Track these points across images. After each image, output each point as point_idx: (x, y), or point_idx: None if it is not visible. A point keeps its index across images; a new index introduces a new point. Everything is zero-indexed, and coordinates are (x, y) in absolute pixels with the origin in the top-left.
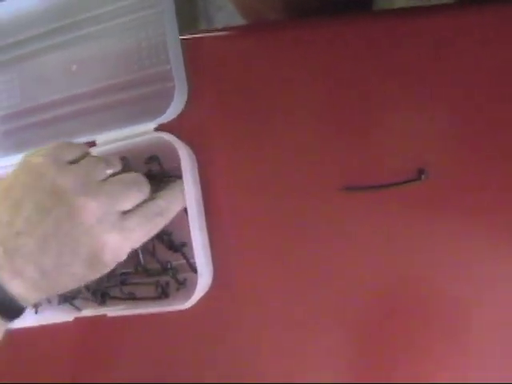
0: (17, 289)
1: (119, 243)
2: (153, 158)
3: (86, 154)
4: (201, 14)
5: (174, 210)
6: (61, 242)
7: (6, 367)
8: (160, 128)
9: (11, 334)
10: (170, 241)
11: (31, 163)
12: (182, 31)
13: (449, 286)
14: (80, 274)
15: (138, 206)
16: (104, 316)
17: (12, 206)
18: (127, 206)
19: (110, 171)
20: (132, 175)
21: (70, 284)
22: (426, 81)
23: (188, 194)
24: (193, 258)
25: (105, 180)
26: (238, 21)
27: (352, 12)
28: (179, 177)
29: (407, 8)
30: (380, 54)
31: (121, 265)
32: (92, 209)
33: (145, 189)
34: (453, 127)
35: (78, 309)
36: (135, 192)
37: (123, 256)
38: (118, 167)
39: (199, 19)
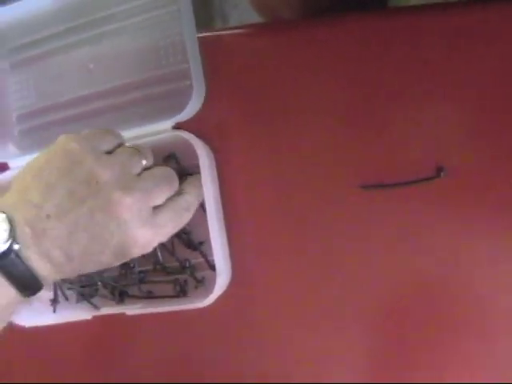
0: (41, 269)
1: (150, 238)
2: (171, 156)
3: (121, 144)
4: (216, 12)
5: (196, 204)
6: (92, 231)
7: (23, 364)
8: (177, 126)
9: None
10: (189, 239)
11: (66, 148)
12: (197, 29)
13: (469, 284)
14: (105, 262)
15: (168, 200)
16: (121, 314)
17: (44, 189)
18: (159, 201)
19: (144, 163)
20: (162, 169)
21: (92, 269)
22: (443, 79)
23: (206, 192)
24: (211, 256)
25: (139, 174)
26: (254, 18)
27: (367, 10)
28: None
29: (423, 5)
30: (396, 51)
31: (139, 263)
32: (127, 204)
33: (175, 184)
34: (472, 124)
35: (97, 307)
36: (167, 187)
37: (150, 249)
38: (151, 160)
39: (215, 17)
